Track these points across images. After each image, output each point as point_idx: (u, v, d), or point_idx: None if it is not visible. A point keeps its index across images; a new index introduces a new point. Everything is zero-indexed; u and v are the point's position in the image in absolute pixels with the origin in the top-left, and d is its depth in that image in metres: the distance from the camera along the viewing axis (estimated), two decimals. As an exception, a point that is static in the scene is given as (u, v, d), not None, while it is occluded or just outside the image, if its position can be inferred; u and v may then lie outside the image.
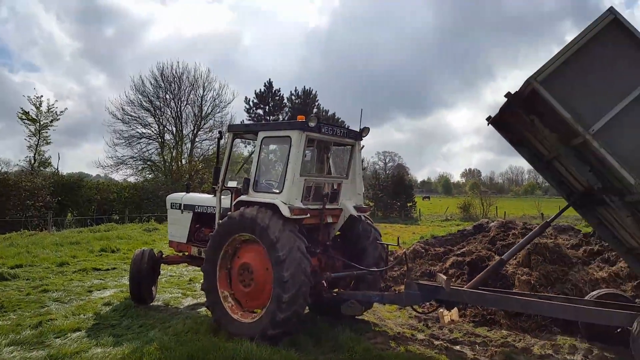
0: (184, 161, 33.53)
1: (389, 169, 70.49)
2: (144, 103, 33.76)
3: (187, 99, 34.91)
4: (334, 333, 6.88)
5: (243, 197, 7.00)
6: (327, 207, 7.41)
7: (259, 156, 7.18)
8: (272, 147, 7.98)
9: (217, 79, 45.54)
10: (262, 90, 42.61)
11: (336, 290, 7.66)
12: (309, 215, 6.83)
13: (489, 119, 7.44)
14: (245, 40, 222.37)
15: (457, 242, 13.18)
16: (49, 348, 6.21)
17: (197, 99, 35.05)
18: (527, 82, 5.84)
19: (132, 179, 34.02)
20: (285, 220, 6.44)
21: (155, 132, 33.92)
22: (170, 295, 9.44)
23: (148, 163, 34.22)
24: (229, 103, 37.49)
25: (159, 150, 33.88)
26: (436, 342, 7.03)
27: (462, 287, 7.26)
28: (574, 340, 7.14)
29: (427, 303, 8.08)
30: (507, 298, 6.81)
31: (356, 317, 7.93)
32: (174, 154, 33.38)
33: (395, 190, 43.76)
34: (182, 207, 8.87)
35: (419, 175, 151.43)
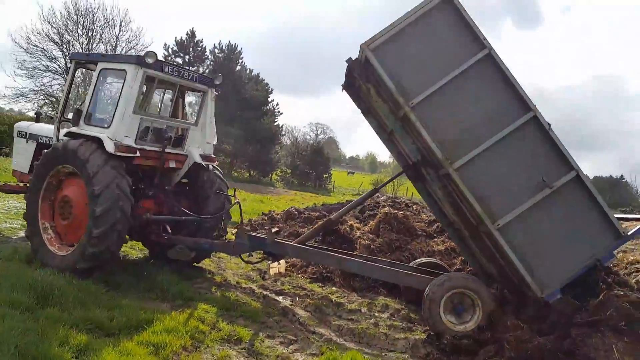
0: (91, 101, 31.35)
1: (319, 140, 70.86)
2: (52, 35, 31.16)
3: (101, 37, 32.63)
4: (156, 275, 6.87)
5: (73, 129, 6.79)
6: (170, 151, 7.32)
7: (94, 87, 7.00)
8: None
9: (135, 21, 42.64)
10: (184, 38, 40.34)
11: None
12: (138, 154, 6.71)
13: (343, 85, 7.61)
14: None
15: (337, 210, 13.62)
16: None
17: (112, 38, 32.89)
18: (361, 49, 6.00)
19: (32, 114, 31.51)
20: (109, 156, 6.30)
21: (62, 67, 31.46)
22: (9, 225, 9.00)
23: (51, 99, 31.80)
24: (146, 47, 35.50)
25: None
26: (258, 291, 7.26)
27: (291, 241, 7.53)
28: (392, 301, 7.61)
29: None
30: (326, 254, 7.13)
31: (195, 264, 8.00)
32: (80, 92, 31.17)
33: (313, 160, 44.33)
34: (27, 137, 8.52)
35: (349, 151, 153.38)
